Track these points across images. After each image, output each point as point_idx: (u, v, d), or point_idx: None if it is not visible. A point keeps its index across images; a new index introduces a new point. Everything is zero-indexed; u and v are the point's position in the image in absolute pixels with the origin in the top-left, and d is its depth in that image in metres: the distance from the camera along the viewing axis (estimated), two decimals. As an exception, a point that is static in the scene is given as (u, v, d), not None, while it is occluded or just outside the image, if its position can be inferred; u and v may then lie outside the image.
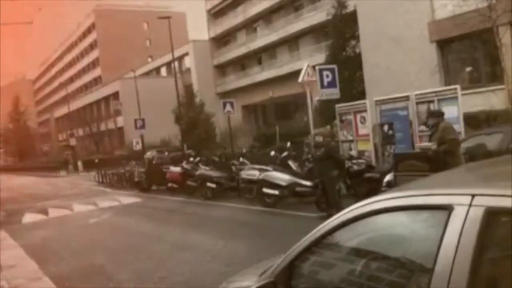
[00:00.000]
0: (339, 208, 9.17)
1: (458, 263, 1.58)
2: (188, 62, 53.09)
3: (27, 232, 12.42)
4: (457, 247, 1.60)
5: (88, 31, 76.44)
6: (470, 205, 1.64)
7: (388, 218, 2.04)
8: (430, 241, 1.73)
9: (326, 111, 18.92)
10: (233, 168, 15.59)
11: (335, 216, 2.21)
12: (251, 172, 13.35)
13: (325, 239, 2.22)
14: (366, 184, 10.45)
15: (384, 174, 9.51)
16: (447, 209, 1.69)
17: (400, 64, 18.68)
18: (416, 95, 11.83)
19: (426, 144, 8.54)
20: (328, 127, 18.38)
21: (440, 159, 7.49)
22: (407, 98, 12.10)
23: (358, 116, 13.36)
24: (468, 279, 1.54)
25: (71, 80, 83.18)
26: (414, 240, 1.97)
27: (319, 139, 10.08)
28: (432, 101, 11.37)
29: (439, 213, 1.73)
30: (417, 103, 11.72)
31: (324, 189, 9.92)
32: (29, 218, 15.27)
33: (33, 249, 9.74)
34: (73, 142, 48.24)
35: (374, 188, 9.61)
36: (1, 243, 11.09)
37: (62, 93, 73.36)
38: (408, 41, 18.33)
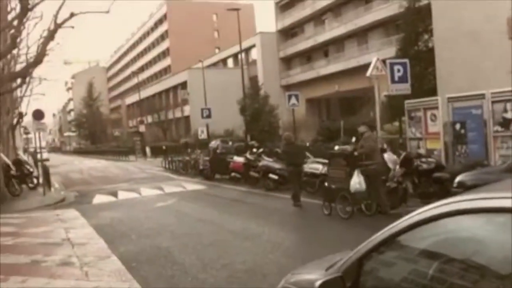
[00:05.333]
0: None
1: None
2: (254, 54, 53.39)
3: (97, 212, 13.06)
4: None
5: (160, 21, 78.77)
6: None
7: (464, 221, 1.96)
8: (508, 246, 1.66)
9: (393, 107, 18.42)
10: (296, 161, 15.52)
11: (407, 216, 2.15)
12: (314, 166, 13.28)
13: (396, 238, 2.17)
14: (434, 184, 10.09)
15: (455, 174, 9.09)
16: None
17: (476, 60, 17.84)
18: (492, 93, 11.24)
19: (343, 146, 11.12)
20: (395, 124, 17.89)
21: (354, 158, 9.75)
22: (482, 96, 11.52)
23: (429, 113, 12.88)
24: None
25: (142, 68, 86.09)
26: (491, 244, 1.89)
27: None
28: (510, 100, 10.77)
29: None
30: (493, 102, 11.14)
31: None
32: (99, 199, 16.06)
33: (103, 229, 10.22)
34: (142, 128, 50.10)
35: (443, 188, 9.30)
36: (73, 221, 11.76)
37: (133, 81, 76.16)
38: (485, 36, 17.46)
